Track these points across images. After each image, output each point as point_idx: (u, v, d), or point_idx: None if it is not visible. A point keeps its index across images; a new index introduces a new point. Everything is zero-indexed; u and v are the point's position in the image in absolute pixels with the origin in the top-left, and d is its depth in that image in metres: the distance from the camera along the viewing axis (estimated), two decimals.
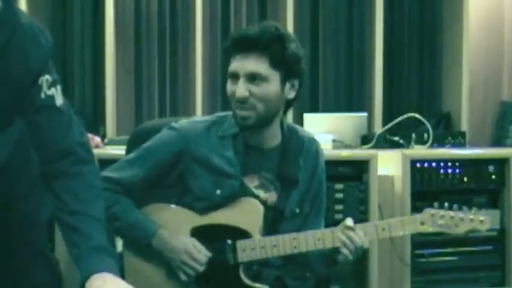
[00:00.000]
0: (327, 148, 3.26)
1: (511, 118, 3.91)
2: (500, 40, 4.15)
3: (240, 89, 1.92)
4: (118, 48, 3.78)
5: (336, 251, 1.96)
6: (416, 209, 3.10)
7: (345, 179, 3.15)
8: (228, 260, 1.98)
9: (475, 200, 3.29)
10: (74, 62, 3.78)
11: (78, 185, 1.69)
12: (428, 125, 3.51)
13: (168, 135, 2.07)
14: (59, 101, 1.67)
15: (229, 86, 1.97)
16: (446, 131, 3.86)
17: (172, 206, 2.07)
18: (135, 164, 2.05)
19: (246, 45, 1.93)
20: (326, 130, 3.43)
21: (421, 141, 3.49)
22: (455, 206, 1.99)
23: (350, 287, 3.17)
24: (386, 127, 3.62)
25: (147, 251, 2.01)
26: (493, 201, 3.35)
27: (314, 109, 3.92)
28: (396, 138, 3.49)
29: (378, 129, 3.72)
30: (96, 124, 3.68)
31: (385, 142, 3.49)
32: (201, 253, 1.98)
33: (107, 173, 2.04)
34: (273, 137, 2.05)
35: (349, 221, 1.96)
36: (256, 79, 1.92)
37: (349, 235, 1.94)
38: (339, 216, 3.05)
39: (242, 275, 1.99)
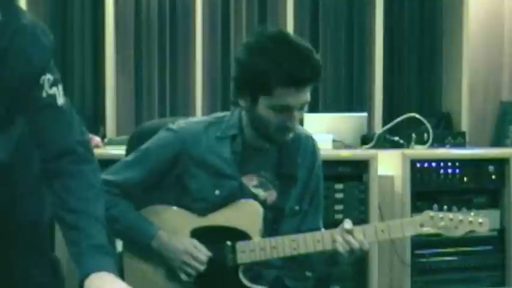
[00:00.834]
0: (327, 148, 3.26)
1: (511, 118, 3.91)
2: (500, 40, 4.15)
3: (295, 121, 1.95)
4: (118, 49, 3.78)
5: (335, 251, 1.96)
6: (416, 209, 3.11)
7: (345, 179, 3.15)
8: (228, 262, 1.98)
9: (475, 200, 3.29)
10: (74, 62, 3.77)
11: (78, 184, 1.68)
12: (428, 125, 3.51)
13: (165, 136, 2.06)
14: (60, 100, 1.67)
15: (276, 115, 1.92)
16: (446, 131, 3.86)
17: (172, 207, 2.06)
18: (133, 166, 2.05)
19: (302, 83, 1.91)
20: (326, 130, 3.43)
21: (421, 141, 3.49)
22: (454, 208, 1.99)
23: (350, 287, 3.17)
24: (386, 127, 3.62)
25: (146, 251, 2.01)
26: (493, 201, 3.36)
27: (314, 109, 3.91)
28: (396, 138, 3.49)
29: (378, 129, 3.72)
30: (96, 124, 3.67)
31: (385, 142, 3.49)
32: (201, 252, 1.98)
33: (105, 175, 2.02)
34: None
35: (347, 224, 1.95)
36: (304, 107, 1.96)
37: (347, 239, 1.93)
38: (338, 216, 3.06)
39: (241, 276, 2.00)
